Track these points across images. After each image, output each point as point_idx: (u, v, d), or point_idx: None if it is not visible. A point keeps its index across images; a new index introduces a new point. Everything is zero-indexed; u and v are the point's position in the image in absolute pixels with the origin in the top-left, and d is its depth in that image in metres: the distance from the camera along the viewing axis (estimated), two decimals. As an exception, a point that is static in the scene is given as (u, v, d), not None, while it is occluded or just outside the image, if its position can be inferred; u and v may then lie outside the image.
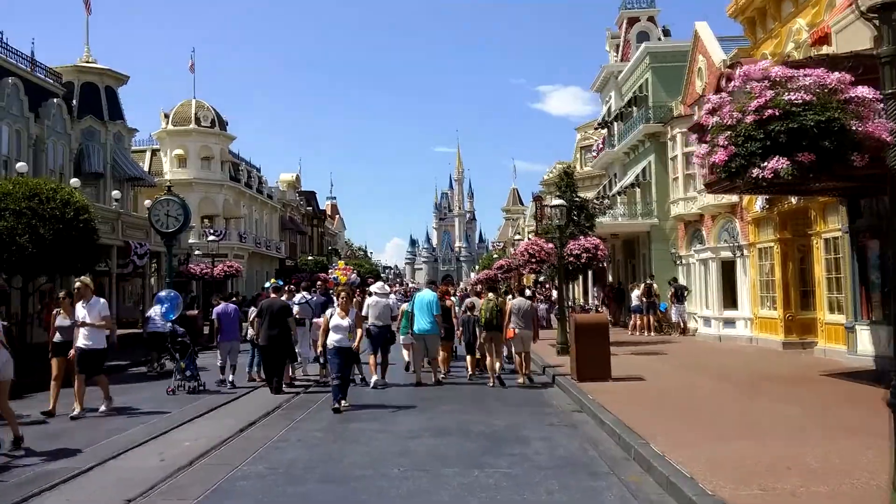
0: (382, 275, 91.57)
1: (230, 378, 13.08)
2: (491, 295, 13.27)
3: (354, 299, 12.09)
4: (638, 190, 26.48)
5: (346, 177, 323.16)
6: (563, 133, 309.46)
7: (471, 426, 8.92)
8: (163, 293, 14.74)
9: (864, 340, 13.29)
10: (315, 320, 12.98)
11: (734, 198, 19.67)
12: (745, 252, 18.97)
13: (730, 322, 19.57)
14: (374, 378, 12.40)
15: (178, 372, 12.25)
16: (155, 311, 14.62)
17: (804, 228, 16.22)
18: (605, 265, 26.24)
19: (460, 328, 14.07)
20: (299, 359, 13.44)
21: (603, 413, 9.14)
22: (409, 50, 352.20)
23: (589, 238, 17.32)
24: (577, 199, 20.04)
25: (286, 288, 13.28)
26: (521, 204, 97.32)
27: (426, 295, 13.03)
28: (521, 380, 12.57)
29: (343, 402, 9.89)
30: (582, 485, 6.21)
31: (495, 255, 64.39)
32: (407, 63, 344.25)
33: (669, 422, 8.43)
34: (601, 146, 31.45)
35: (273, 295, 12.41)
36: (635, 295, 23.16)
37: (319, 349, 10.46)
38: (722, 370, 13.53)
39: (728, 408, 9.35)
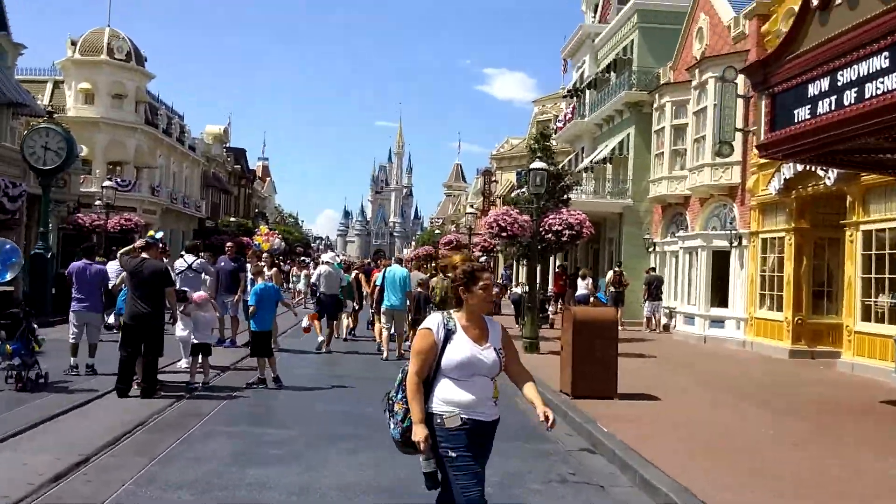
0: (312, 245, 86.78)
1: (87, 362, 9.65)
2: (441, 275, 11.96)
3: (292, 272, 8.80)
4: (609, 166, 23.50)
5: (282, 143, 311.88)
6: (507, 117, 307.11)
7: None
8: None
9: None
10: (196, 294, 9.32)
11: (733, 178, 17.00)
12: (745, 242, 16.28)
13: (718, 321, 16.92)
14: (321, 339, 12.92)
15: (2, 357, 8.35)
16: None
17: (830, 217, 13.58)
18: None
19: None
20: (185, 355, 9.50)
21: (640, 464, 6.01)
22: (357, 9, 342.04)
23: (572, 212, 14.17)
24: (554, 166, 16.91)
25: (136, 248, 8.33)
26: (464, 181, 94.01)
27: (398, 271, 12.90)
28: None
29: None
30: None
31: (436, 231, 61.07)
32: (354, 30, 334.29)
33: (752, 490, 5.38)
34: (569, 116, 28.18)
35: (144, 255, 8.51)
36: (587, 284, 19.90)
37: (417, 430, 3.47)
38: (745, 387, 10.65)
39: (821, 467, 6.33)
